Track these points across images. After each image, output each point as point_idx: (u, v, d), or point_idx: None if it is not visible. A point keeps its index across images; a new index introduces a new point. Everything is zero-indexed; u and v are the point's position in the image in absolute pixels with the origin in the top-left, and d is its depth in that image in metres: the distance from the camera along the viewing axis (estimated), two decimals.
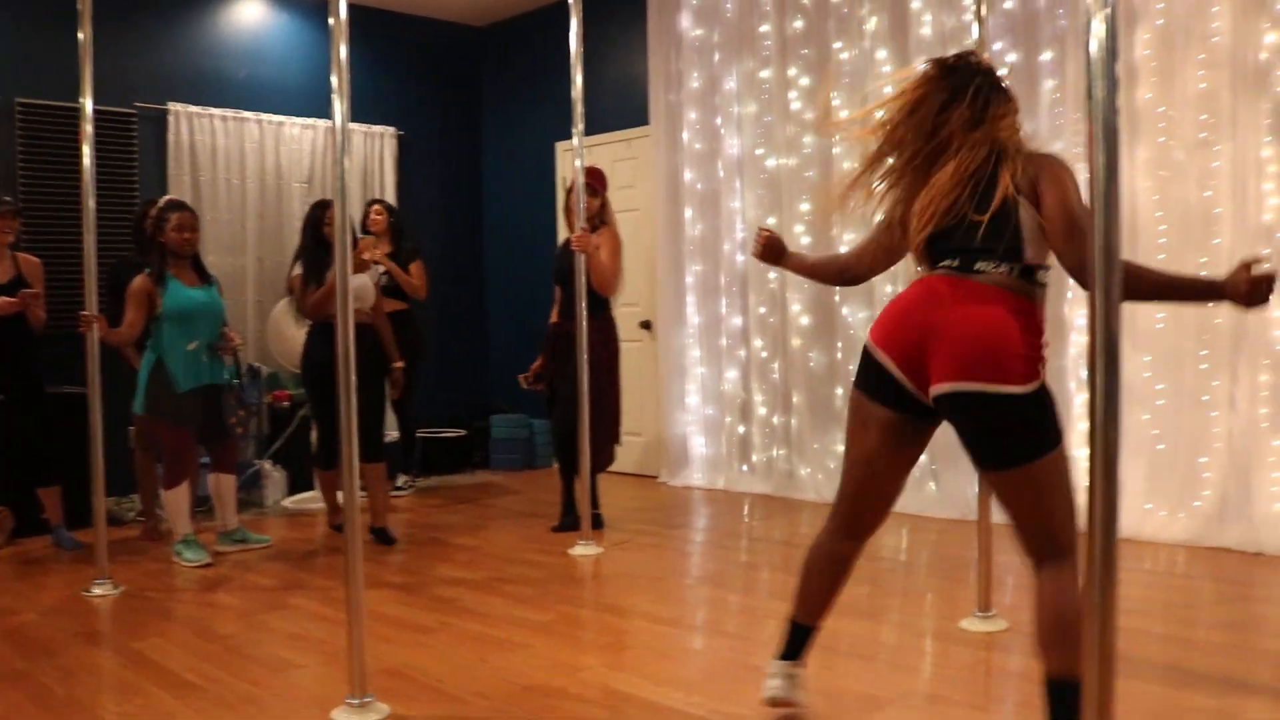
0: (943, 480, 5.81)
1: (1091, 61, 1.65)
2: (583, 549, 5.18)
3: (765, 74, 6.56)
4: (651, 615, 4.10)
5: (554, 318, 5.74)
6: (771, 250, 3.12)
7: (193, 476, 5.30)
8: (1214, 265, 4.88)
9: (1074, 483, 2.49)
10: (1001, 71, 2.77)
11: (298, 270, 5.51)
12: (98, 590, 4.61)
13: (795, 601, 2.90)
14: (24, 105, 6.35)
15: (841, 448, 2.93)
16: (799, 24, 6.37)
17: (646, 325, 7.51)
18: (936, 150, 2.66)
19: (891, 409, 2.64)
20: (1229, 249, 4.87)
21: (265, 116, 7.35)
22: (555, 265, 5.74)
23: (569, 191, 5.48)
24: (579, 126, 5.19)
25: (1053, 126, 5.38)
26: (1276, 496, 4.77)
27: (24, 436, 5.51)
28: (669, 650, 3.67)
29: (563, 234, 5.99)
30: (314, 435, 5.97)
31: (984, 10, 3.90)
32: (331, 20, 3.06)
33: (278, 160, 7.41)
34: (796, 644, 2.90)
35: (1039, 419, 2.46)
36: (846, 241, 6.01)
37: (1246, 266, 2.29)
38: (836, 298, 6.28)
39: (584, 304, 5.17)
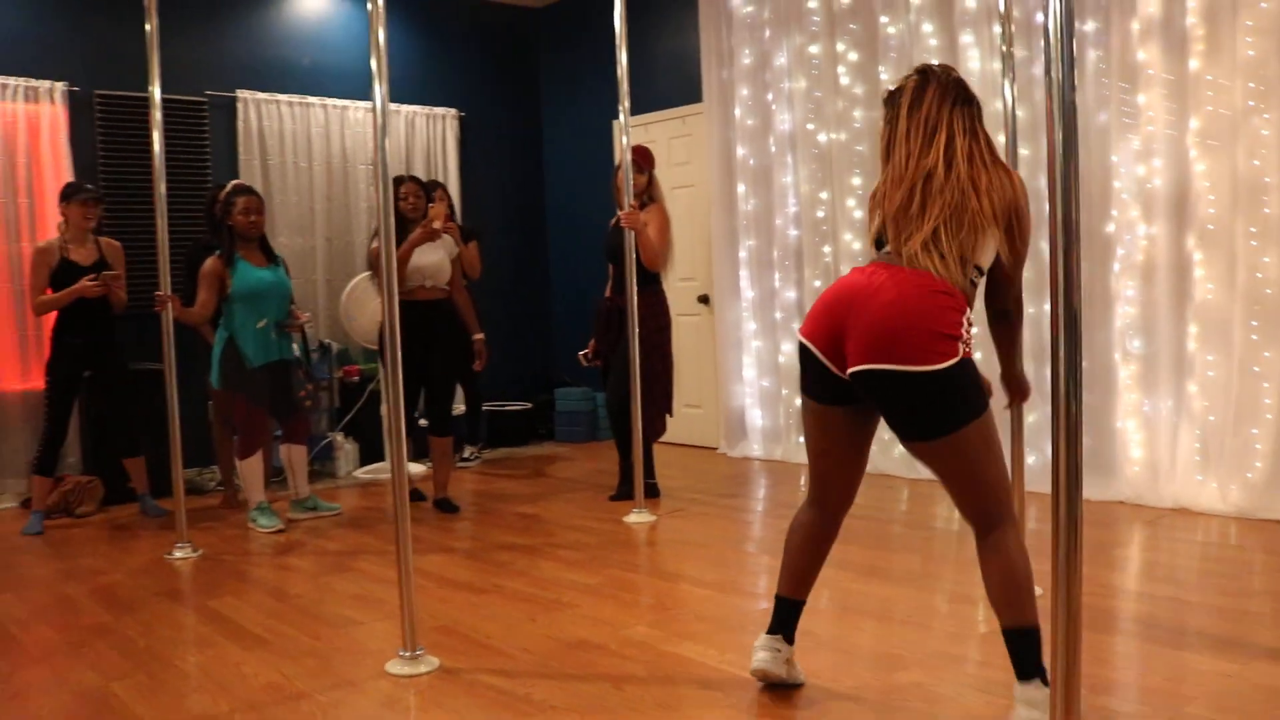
0: None
1: (1049, 40, 1.74)
2: (636, 517, 5.36)
3: (814, 49, 6.63)
4: (698, 580, 4.25)
5: (607, 293, 5.91)
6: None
7: (266, 447, 5.57)
8: (1263, 235, 4.87)
9: (999, 451, 2.63)
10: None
11: (375, 243, 5.73)
12: (178, 553, 4.92)
13: (780, 577, 3.04)
14: (103, 97, 6.65)
15: None
16: None
17: (704, 300, 7.64)
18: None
19: (836, 405, 2.80)
20: (1278, 218, 4.86)
21: (330, 101, 7.60)
22: (605, 243, 5.91)
23: (617, 170, 5.64)
24: (624, 104, 5.34)
25: (1098, 97, 5.38)
26: None
27: (109, 411, 5.84)
28: (712, 613, 3.82)
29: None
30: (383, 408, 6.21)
31: None
32: (370, 5, 3.23)
33: (343, 143, 7.66)
34: (783, 618, 3.02)
35: (956, 392, 2.58)
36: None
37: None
38: None
39: (633, 279, 5.33)
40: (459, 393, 7.43)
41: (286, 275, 5.64)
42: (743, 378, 7.30)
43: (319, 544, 5.13)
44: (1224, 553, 4.40)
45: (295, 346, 5.63)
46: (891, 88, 2.86)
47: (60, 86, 6.48)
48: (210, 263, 5.38)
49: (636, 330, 5.35)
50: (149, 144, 4.98)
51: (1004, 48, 3.99)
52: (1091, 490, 5.37)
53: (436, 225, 5.51)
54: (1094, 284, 5.42)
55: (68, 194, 5.66)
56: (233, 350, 5.37)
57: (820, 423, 2.85)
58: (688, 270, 7.61)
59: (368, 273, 6.87)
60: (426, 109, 8.10)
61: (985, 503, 2.63)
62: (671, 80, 7.77)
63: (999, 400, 2.93)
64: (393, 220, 3.30)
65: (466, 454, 7.45)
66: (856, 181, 6.45)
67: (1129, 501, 5.28)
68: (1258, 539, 4.57)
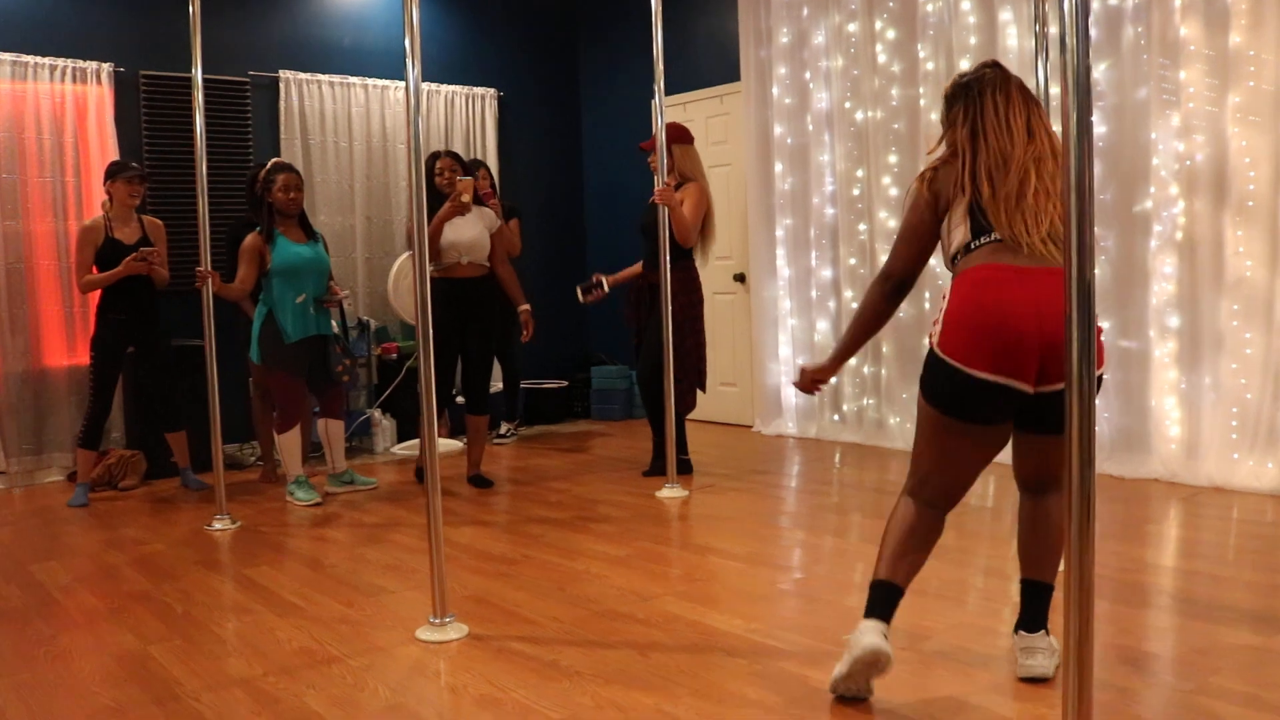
0: None
1: (1064, 15, 1.75)
2: (669, 491, 5.39)
3: (852, 28, 6.60)
4: (727, 553, 4.29)
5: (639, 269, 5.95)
6: (817, 380, 3.13)
7: (304, 422, 5.65)
8: None
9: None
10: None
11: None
12: (218, 525, 5.02)
13: (891, 565, 2.81)
14: (148, 77, 6.75)
15: None
16: None
17: (740, 278, 7.65)
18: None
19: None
20: None
21: (371, 81, 7.66)
22: (641, 220, 5.94)
23: (651, 141, 5.66)
24: (659, 84, 5.36)
25: (1137, 73, 5.33)
26: None
27: (152, 386, 5.96)
28: (739, 584, 3.85)
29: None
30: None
31: None
32: None
33: (383, 123, 7.72)
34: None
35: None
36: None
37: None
38: None
39: (666, 255, 5.36)
40: (497, 370, 7.52)
41: (325, 251, 5.71)
42: (778, 356, 7.30)
43: (355, 517, 5.21)
44: (1259, 529, 4.37)
45: (334, 323, 5.70)
46: (964, 79, 2.86)
47: (106, 68, 6.59)
48: (250, 239, 5.46)
49: (669, 306, 5.38)
50: (192, 124, 5.06)
51: (1037, 27, 3.96)
52: (1126, 468, 5.35)
53: (465, 199, 5.50)
54: (1132, 261, 5.38)
55: (113, 172, 5.76)
56: (271, 325, 5.46)
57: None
58: (724, 249, 7.62)
59: (410, 251, 6.93)
60: (466, 89, 8.15)
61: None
62: (709, 59, 7.77)
63: None
64: (424, 197, 3.34)
65: (503, 430, 7.52)
66: (893, 160, 6.43)
67: (1164, 479, 5.25)
68: None
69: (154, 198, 6.56)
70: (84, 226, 5.77)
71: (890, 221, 6.46)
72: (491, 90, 8.31)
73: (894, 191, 6.42)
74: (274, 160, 5.74)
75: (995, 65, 2.85)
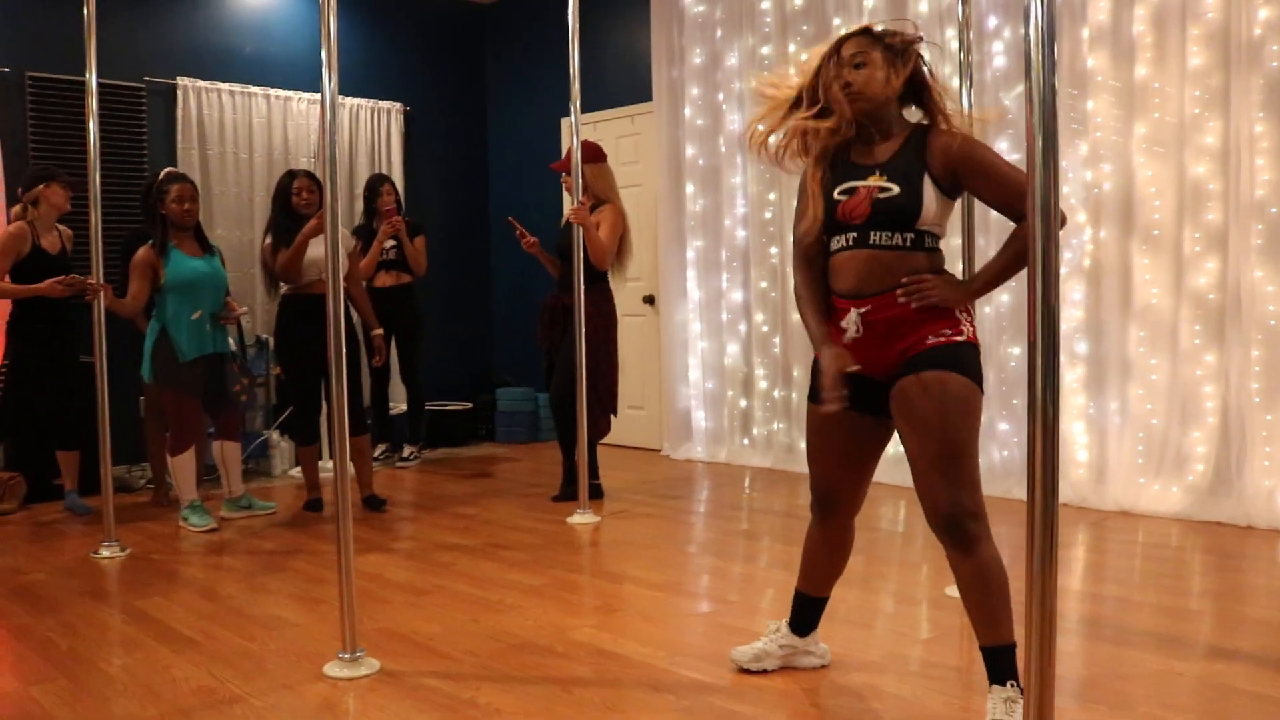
0: None
1: (1030, 48, 1.70)
2: (580, 518, 5.27)
3: (766, 50, 6.60)
4: (644, 581, 4.18)
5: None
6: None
7: (199, 444, 5.40)
8: (1206, 241, 4.93)
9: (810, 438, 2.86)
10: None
11: (269, 240, 5.57)
12: (105, 552, 4.74)
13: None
14: (35, 79, 6.43)
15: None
16: (799, 0, 6.40)
17: (649, 300, 7.58)
18: None
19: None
20: (1221, 225, 4.91)
21: (273, 91, 7.43)
22: (555, 240, 5.82)
23: (566, 155, 5.56)
24: (576, 103, 5.27)
25: None
26: (1266, 471, 4.81)
27: (50, 402, 5.63)
28: (658, 614, 3.75)
29: (567, 208, 6.06)
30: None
31: None
32: None
33: (285, 135, 7.49)
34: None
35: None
36: None
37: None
38: None
39: (581, 277, 5.25)
40: (400, 391, 7.32)
41: (222, 266, 5.48)
42: (688, 379, 7.25)
43: (253, 543, 4.98)
44: (1165, 553, 4.44)
45: (231, 340, 5.47)
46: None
47: None
48: (142, 252, 5.21)
49: (583, 328, 5.28)
50: (84, 130, 4.80)
51: (962, 55, 3.96)
52: None
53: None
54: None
55: (46, 176, 5.51)
56: (165, 342, 5.21)
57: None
58: (634, 270, 7.51)
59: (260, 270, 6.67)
60: (371, 102, 7.95)
61: None
62: (621, 79, 7.71)
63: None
64: (338, 211, 3.18)
65: (406, 454, 7.32)
66: None
67: (1072, 504, 5.30)
68: (1198, 540, 4.62)
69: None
70: (9, 233, 5.44)
71: None
72: (398, 104, 8.13)
73: None
74: (167, 170, 5.51)
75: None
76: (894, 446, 5.71)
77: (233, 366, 5.42)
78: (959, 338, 2.59)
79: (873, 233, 2.65)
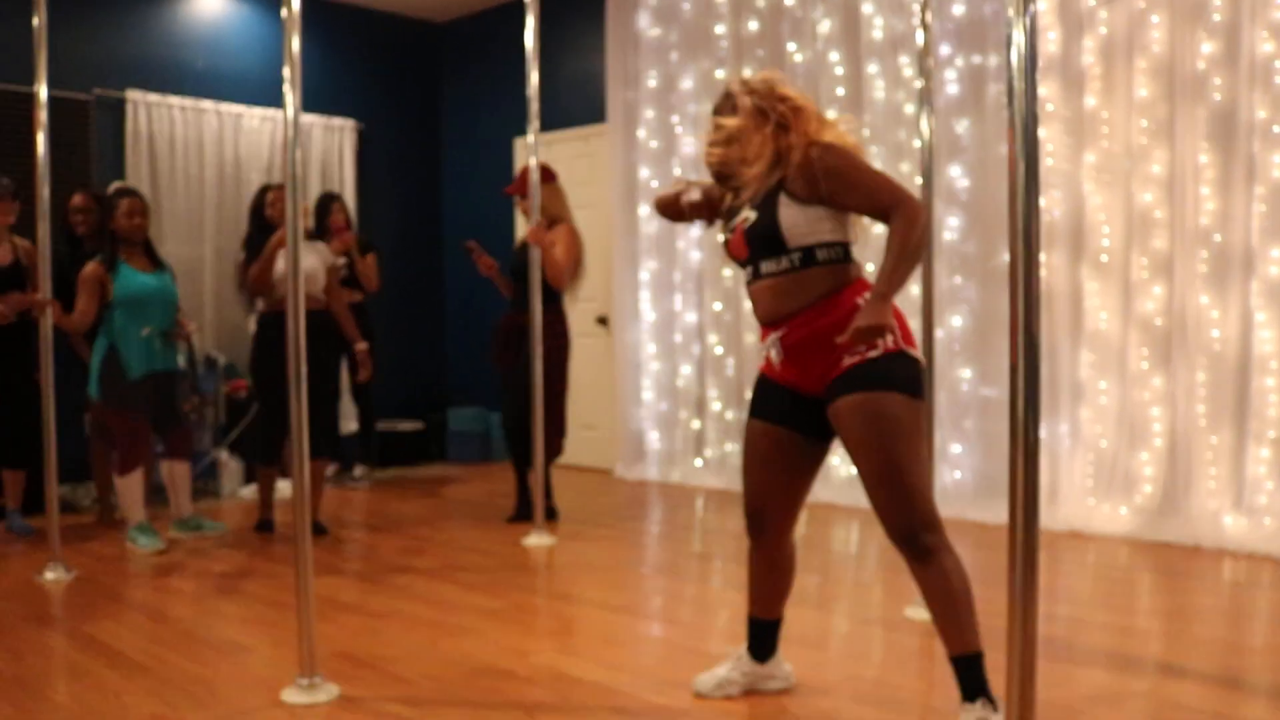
0: None
1: (1013, 77, 1.73)
2: (535, 539, 5.24)
3: (720, 74, 6.65)
4: (601, 603, 4.17)
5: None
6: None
7: (147, 463, 5.31)
8: (1154, 267, 5.04)
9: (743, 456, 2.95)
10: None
11: (244, 255, 5.51)
12: (49, 575, 4.62)
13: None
14: None
15: None
16: (754, 26, 6.46)
17: (603, 321, 7.58)
18: None
19: None
20: (1168, 252, 5.02)
21: (225, 106, 7.34)
22: (512, 261, 5.79)
23: (519, 178, 5.55)
24: (534, 123, 5.27)
25: (999, 129, 5.49)
26: (1212, 493, 4.91)
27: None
28: (618, 636, 3.74)
29: (520, 229, 6.06)
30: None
31: (929, 17, 3.99)
32: (284, 12, 3.10)
33: (237, 151, 7.41)
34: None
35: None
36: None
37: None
38: None
39: (538, 297, 5.24)
40: (351, 410, 7.24)
41: (173, 282, 5.40)
42: (641, 400, 7.25)
43: (202, 565, 4.89)
44: (1114, 573, 4.52)
45: (180, 358, 5.39)
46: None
47: None
48: (90, 267, 5.11)
49: (539, 348, 5.26)
50: (31, 144, 4.70)
51: (920, 82, 4.01)
52: (989, 514, 5.44)
53: (308, 224, 5.32)
54: (993, 311, 5.52)
55: None
56: (114, 359, 5.11)
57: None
58: (586, 291, 7.48)
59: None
60: (324, 119, 7.89)
61: None
62: (575, 100, 7.72)
63: None
64: (300, 230, 3.16)
65: (357, 473, 7.24)
66: None
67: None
68: (1147, 560, 4.69)
69: None
70: None
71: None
72: (351, 121, 8.07)
73: None
74: (116, 184, 5.42)
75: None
76: (848, 468, 5.75)
77: (183, 385, 5.33)
78: (873, 353, 2.64)
79: (760, 263, 2.77)
